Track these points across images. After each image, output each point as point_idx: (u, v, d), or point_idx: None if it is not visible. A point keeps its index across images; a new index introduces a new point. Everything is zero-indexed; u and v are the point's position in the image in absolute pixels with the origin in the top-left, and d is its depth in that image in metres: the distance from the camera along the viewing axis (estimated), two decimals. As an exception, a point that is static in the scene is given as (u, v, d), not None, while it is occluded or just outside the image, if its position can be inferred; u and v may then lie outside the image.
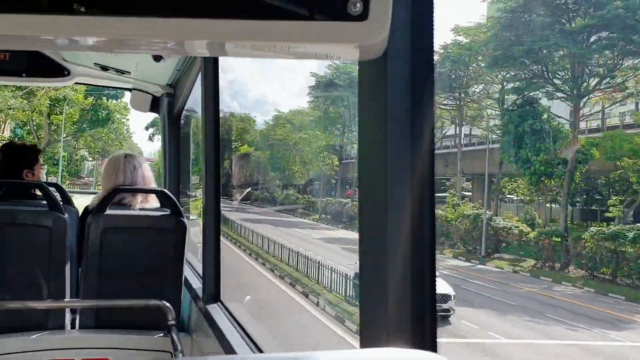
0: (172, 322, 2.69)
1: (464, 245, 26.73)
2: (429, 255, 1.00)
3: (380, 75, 1.00)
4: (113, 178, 3.07)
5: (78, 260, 2.95)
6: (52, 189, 3.01)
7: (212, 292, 2.81)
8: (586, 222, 27.19)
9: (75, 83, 3.93)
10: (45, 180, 3.29)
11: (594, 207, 28.08)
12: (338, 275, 17.50)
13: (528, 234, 24.82)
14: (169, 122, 4.05)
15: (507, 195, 32.06)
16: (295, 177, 39.19)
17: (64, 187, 3.79)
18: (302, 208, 36.17)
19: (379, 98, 1.02)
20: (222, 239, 2.93)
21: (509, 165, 27.66)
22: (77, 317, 2.91)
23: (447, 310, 15.87)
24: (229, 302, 2.79)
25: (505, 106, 29.31)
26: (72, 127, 38.54)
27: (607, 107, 27.17)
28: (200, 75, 2.92)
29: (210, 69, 2.76)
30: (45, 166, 3.62)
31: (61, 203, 2.96)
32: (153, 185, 3.22)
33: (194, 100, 3.71)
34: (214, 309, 2.69)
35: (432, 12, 0.97)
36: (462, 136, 32.99)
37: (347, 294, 16.58)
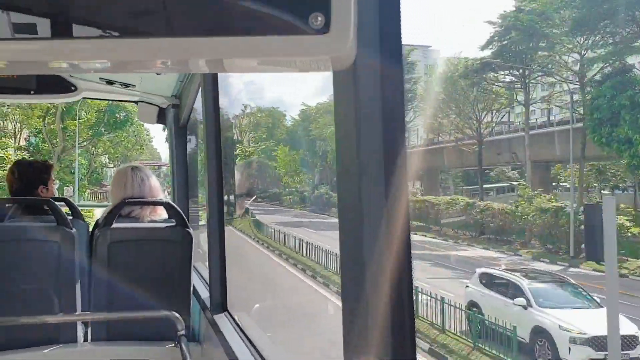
0: (182, 332, 2.70)
1: (542, 244, 22.82)
2: (406, 264, 0.98)
3: (350, 83, 1.02)
4: (121, 191, 3.10)
5: (89, 274, 2.99)
6: (61, 203, 3.06)
7: (219, 302, 2.82)
8: None
9: (83, 98, 3.99)
10: (57, 194, 3.35)
11: None
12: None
13: (629, 229, 20.49)
14: (176, 133, 4.09)
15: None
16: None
17: (82, 197, 3.87)
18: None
19: (351, 103, 1.04)
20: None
21: (594, 149, 23.02)
22: (89, 330, 2.95)
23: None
24: (236, 311, 2.80)
25: (589, 77, 24.94)
26: (89, 132, 35.50)
27: None
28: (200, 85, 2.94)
29: (210, 79, 2.77)
30: (57, 181, 3.69)
31: (71, 218, 3.00)
32: (161, 196, 3.24)
33: (200, 110, 3.74)
34: (221, 319, 2.70)
35: (400, 19, 0.99)
36: (529, 118, 29.64)
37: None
